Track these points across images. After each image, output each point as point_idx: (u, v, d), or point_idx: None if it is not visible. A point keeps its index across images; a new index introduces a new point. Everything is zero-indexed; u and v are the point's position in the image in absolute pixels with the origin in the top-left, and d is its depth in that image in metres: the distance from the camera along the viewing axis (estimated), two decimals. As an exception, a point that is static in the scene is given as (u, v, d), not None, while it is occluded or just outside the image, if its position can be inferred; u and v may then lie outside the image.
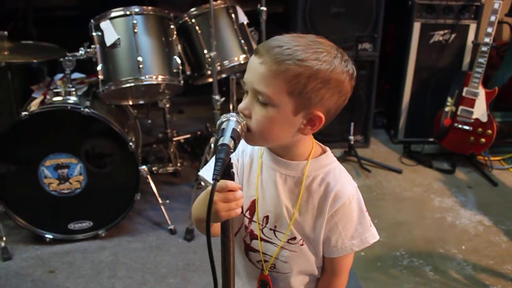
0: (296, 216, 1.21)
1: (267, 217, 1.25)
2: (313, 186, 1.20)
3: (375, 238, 1.24)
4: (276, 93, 1.07)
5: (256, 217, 1.26)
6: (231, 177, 1.04)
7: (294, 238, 1.24)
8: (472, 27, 3.73)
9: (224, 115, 1.10)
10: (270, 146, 1.22)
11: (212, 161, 1.28)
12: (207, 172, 1.27)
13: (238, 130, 1.06)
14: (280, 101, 1.08)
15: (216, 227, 1.12)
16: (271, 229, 1.25)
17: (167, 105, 3.44)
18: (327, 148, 1.25)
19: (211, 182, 0.98)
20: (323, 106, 1.11)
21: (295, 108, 1.09)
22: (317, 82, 1.07)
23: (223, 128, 1.06)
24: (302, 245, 1.24)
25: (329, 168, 1.21)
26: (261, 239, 1.26)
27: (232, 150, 1.02)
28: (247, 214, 1.27)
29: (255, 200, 1.25)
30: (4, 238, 2.77)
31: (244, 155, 1.29)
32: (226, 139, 1.03)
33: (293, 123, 1.12)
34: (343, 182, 1.20)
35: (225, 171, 1.00)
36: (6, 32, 2.90)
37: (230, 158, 1.02)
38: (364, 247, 1.23)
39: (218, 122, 1.09)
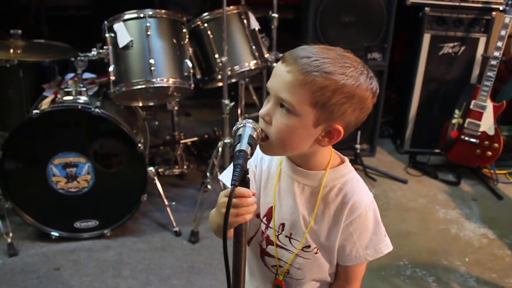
0: (311, 225, 1.23)
1: (283, 224, 1.26)
2: (330, 196, 1.21)
3: (389, 248, 1.26)
4: (300, 103, 1.09)
5: (273, 223, 1.27)
6: (246, 182, 1.06)
7: (309, 247, 1.25)
8: (482, 40, 3.74)
9: (240, 121, 1.11)
10: (286, 155, 1.23)
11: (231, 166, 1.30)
12: (226, 177, 1.29)
13: (255, 136, 1.08)
14: (303, 111, 1.09)
15: (230, 232, 1.13)
16: (286, 236, 1.27)
17: (176, 108, 3.46)
18: (346, 158, 1.26)
19: (230, 187, 1.00)
20: (343, 120, 1.12)
21: (316, 120, 1.11)
22: (342, 96, 1.08)
23: (240, 134, 1.07)
24: (316, 253, 1.26)
25: (346, 179, 1.22)
26: (277, 245, 1.28)
27: (249, 156, 1.04)
28: (264, 220, 1.29)
29: (272, 207, 1.27)
30: (11, 234, 2.79)
31: (263, 162, 1.30)
32: (244, 145, 1.05)
33: (312, 134, 1.13)
34: (360, 193, 1.22)
35: (241, 177, 1.02)
36: (20, 31, 2.93)
37: (247, 164, 1.04)
38: (377, 257, 1.25)
39: (234, 128, 1.10)
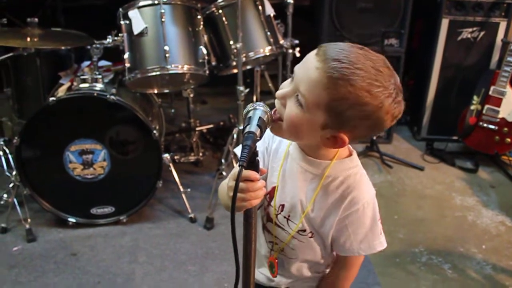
0: (308, 212, 1.24)
1: (283, 205, 1.28)
2: (331, 187, 1.21)
3: (383, 246, 1.26)
4: (315, 103, 1.06)
5: (274, 203, 1.29)
6: (255, 165, 1.05)
7: (304, 230, 1.27)
8: (502, 25, 3.67)
9: (251, 104, 1.10)
10: (294, 141, 1.23)
11: None
12: (239, 150, 1.30)
13: (265, 119, 1.07)
14: (315, 111, 1.07)
15: None
16: (285, 217, 1.28)
17: (191, 95, 3.46)
18: (354, 152, 1.25)
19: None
20: (352, 133, 1.10)
21: (325, 124, 1.09)
22: (358, 113, 1.05)
23: (250, 117, 1.07)
24: (311, 237, 1.27)
25: (350, 172, 1.21)
26: (275, 224, 1.30)
27: (258, 138, 1.04)
28: (267, 197, 1.30)
29: (275, 187, 1.28)
30: (29, 220, 2.84)
31: (273, 140, 1.31)
32: (253, 127, 1.04)
33: (317, 133, 1.11)
34: (361, 188, 1.21)
35: (250, 158, 1.01)
36: (37, 19, 2.95)
37: (256, 146, 1.03)
38: (370, 253, 1.25)
39: (245, 111, 1.10)
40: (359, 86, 1.02)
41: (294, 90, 1.10)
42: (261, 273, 1.41)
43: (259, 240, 1.37)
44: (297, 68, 1.11)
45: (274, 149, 1.30)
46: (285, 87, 1.13)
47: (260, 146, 1.27)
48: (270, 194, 1.29)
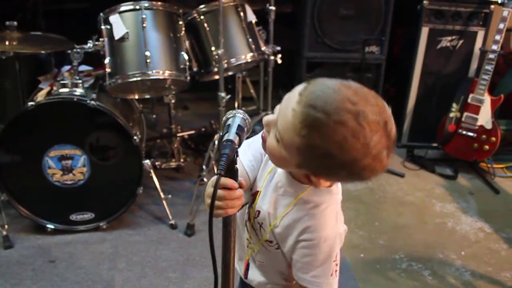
0: (273, 226, 1.24)
1: (259, 212, 1.28)
2: (299, 209, 1.20)
3: None
4: (289, 144, 1.04)
5: (254, 206, 1.29)
6: (234, 173, 1.05)
7: (271, 242, 1.27)
8: (480, 34, 3.73)
9: (230, 111, 1.10)
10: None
11: (245, 145, 1.28)
12: None
13: (244, 127, 1.07)
14: (289, 151, 1.05)
15: None
16: (258, 223, 1.29)
17: (173, 101, 3.45)
18: (337, 185, 1.22)
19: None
20: (326, 178, 1.11)
21: (300, 164, 1.07)
22: (329, 163, 1.01)
23: (229, 124, 1.07)
24: (277, 249, 1.27)
25: (321, 203, 1.18)
26: (252, 226, 1.31)
27: (237, 146, 1.03)
28: (251, 198, 1.31)
29: (258, 192, 1.29)
30: (6, 227, 2.80)
31: None
32: (231, 135, 1.04)
33: (294, 169, 1.12)
34: (322, 221, 1.18)
35: (228, 166, 1.01)
36: (15, 23, 2.92)
37: (235, 154, 1.03)
38: None
39: (224, 118, 1.10)
40: (329, 139, 0.97)
41: (275, 122, 1.08)
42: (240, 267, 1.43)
43: (241, 234, 1.38)
44: (284, 98, 1.07)
45: (267, 157, 1.29)
46: (276, 112, 1.10)
47: (260, 148, 1.26)
48: (253, 197, 1.30)
